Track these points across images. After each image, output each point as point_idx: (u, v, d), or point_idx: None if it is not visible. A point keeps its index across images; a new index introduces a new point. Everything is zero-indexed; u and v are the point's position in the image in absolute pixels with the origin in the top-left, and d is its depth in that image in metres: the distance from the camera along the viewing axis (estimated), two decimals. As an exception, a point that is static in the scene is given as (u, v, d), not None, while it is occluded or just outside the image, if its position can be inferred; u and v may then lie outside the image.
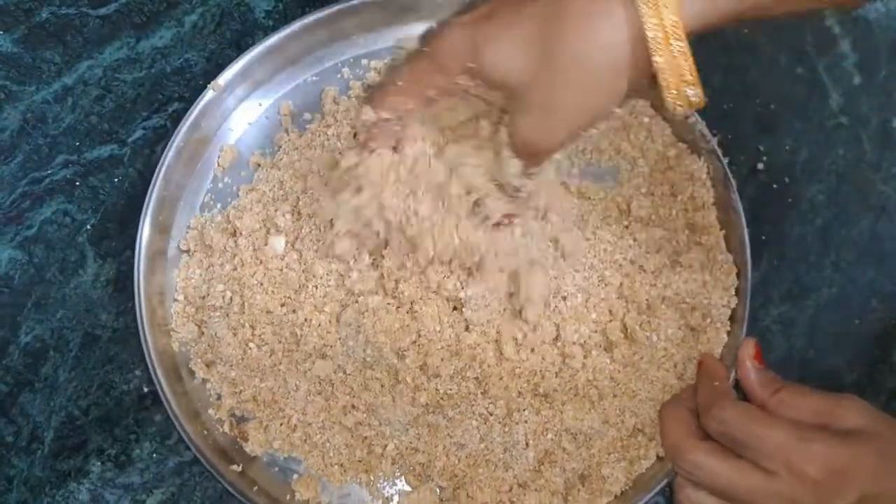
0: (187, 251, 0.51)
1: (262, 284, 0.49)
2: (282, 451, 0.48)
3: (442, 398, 0.47)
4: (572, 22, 0.34)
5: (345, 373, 0.48)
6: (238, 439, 0.48)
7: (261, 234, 0.51)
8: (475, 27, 0.36)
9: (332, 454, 0.48)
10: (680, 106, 0.35)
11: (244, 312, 0.49)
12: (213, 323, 0.49)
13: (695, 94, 0.35)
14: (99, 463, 0.49)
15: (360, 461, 0.48)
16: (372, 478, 0.48)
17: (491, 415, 0.48)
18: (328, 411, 0.48)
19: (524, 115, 0.37)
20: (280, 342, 0.48)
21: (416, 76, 0.39)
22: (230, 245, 0.50)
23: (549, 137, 0.38)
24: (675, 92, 0.35)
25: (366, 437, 0.48)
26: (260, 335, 0.48)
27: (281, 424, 0.48)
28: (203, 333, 0.49)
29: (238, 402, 0.49)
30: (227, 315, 0.49)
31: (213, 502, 0.50)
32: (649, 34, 0.33)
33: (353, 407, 0.48)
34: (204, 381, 0.49)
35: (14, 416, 0.50)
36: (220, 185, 0.53)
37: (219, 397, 0.49)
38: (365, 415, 0.48)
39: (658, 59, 0.33)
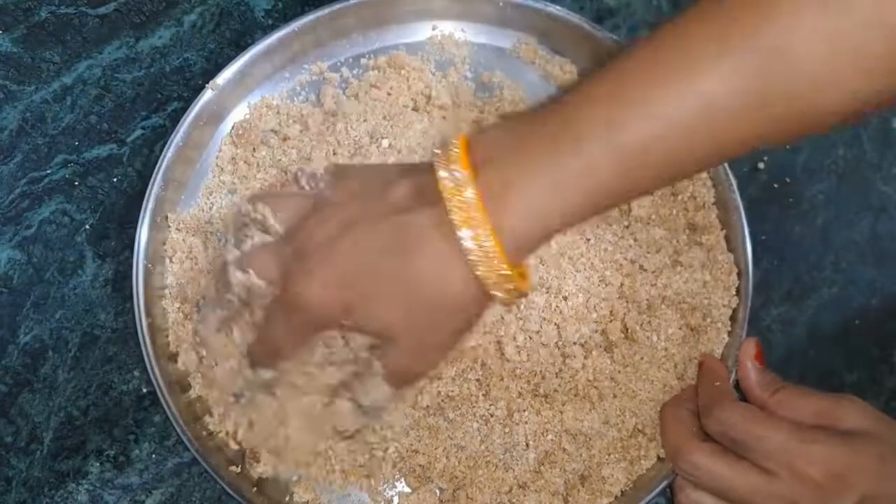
0: (185, 251, 0.51)
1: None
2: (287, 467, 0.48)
3: (443, 400, 0.47)
4: (418, 275, 0.35)
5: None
6: (249, 459, 0.48)
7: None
8: (337, 289, 0.35)
9: (333, 461, 0.48)
10: (506, 299, 0.35)
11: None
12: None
13: (513, 287, 0.35)
14: (98, 463, 0.49)
15: (361, 466, 0.48)
16: (373, 482, 0.48)
17: (492, 416, 0.47)
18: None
19: (399, 357, 0.37)
20: None
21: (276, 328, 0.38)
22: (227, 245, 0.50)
23: (426, 367, 0.39)
24: (500, 295, 0.35)
25: (367, 442, 0.48)
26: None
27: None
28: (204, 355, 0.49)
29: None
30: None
31: (213, 503, 0.50)
32: (471, 258, 0.33)
33: None
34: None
35: (13, 416, 0.50)
36: (219, 184, 0.52)
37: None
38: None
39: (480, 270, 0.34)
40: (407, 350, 0.37)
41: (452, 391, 0.47)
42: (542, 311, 0.48)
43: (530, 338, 0.48)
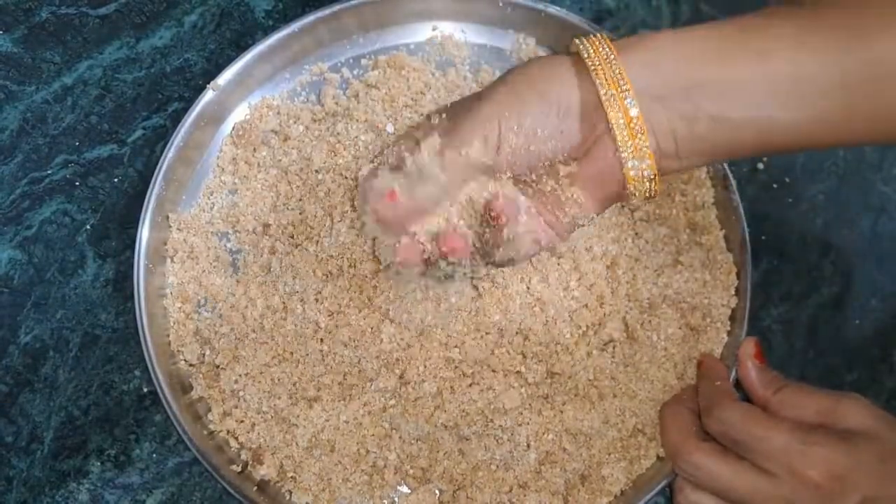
0: (186, 251, 0.51)
1: (261, 285, 0.49)
2: (290, 470, 0.48)
3: (459, 417, 0.47)
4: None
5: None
6: (252, 462, 0.48)
7: (258, 234, 0.51)
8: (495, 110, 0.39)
9: (338, 469, 0.48)
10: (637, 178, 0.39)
11: (244, 318, 0.49)
12: (208, 323, 0.49)
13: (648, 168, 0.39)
14: (99, 463, 0.49)
15: (363, 471, 0.48)
16: (374, 488, 0.48)
17: (503, 429, 0.48)
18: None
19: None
20: (281, 349, 0.48)
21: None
22: (229, 245, 0.51)
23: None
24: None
25: (368, 451, 0.48)
26: (257, 338, 0.48)
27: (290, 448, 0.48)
28: (204, 355, 0.49)
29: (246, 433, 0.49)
30: (221, 316, 0.49)
31: (213, 502, 0.50)
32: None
33: (361, 424, 0.48)
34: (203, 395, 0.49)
35: (14, 416, 0.50)
36: (219, 184, 0.52)
37: (223, 413, 0.49)
38: (373, 433, 0.48)
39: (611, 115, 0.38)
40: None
41: (468, 407, 0.47)
42: (543, 310, 0.48)
43: (529, 338, 0.48)
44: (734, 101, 0.37)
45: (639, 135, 0.38)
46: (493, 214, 0.40)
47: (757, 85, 0.37)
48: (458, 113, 0.40)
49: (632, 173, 0.39)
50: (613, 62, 0.37)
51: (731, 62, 0.37)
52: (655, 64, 0.37)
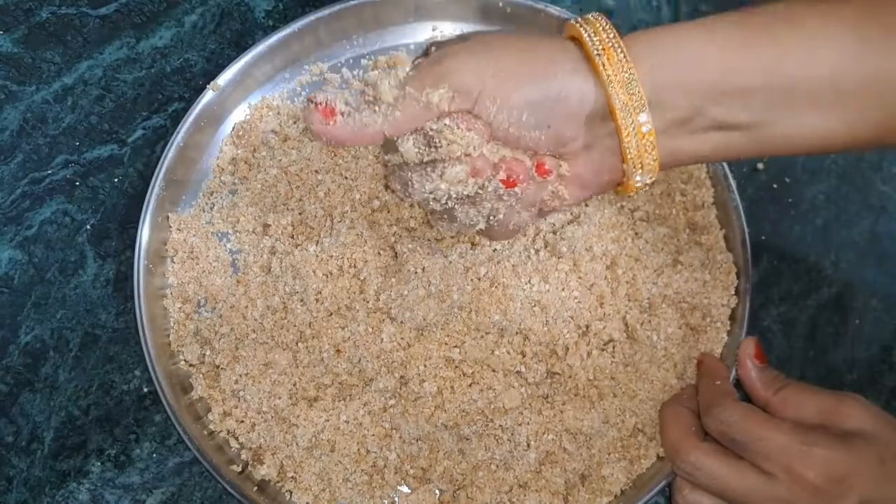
0: (186, 251, 0.51)
1: (261, 285, 0.49)
2: (290, 470, 0.48)
3: (459, 417, 0.47)
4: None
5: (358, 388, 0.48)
6: (252, 462, 0.48)
7: (258, 234, 0.51)
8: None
9: (339, 469, 0.48)
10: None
11: (245, 317, 0.49)
12: (208, 323, 0.49)
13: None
14: (99, 463, 0.49)
15: (363, 471, 0.48)
16: (375, 488, 0.48)
17: (503, 429, 0.48)
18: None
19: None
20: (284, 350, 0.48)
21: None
22: (229, 245, 0.51)
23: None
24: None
25: (369, 451, 0.48)
26: (257, 339, 0.49)
27: (290, 450, 0.48)
28: (205, 355, 0.49)
29: (245, 432, 0.49)
30: (221, 316, 0.49)
31: (213, 502, 0.50)
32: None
33: (362, 424, 0.48)
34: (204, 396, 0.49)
35: (14, 416, 0.50)
36: (219, 184, 0.52)
37: (223, 413, 0.49)
38: (373, 433, 0.48)
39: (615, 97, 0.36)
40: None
41: (469, 407, 0.47)
42: (543, 310, 0.48)
43: (529, 338, 0.48)
44: (742, 106, 0.36)
45: (650, 150, 0.37)
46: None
47: (769, 90, 0.36)
48: (445, 54, 0.37)
49: (637, 185, 0.38)
50: (625, 64, 0.36)
51: (746, 64, 0.36)
52: (665, 65, 0.36)
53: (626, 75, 0.36)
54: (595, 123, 0.37)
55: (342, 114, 0.37)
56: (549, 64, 0.36)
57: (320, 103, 0.37)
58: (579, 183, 0.39)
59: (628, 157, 0.37)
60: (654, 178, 0.38)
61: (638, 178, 0.38)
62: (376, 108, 0.36)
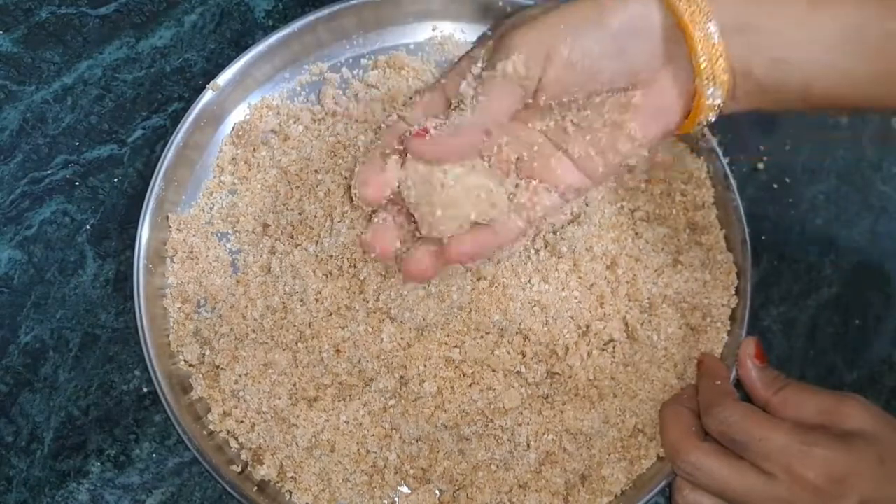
0: (186, 251, 0.51)
1: (261, 285, 0.49)
2: (290, 471, 0.48)
3: (459, 417, 0.47)
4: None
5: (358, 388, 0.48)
6: (252, 462, 0.48)
7: (258, 234, 0.51)
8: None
9: (338, 469, 0.48)
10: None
11: (244, 317, 0.49)
12: (208, 323, 0.49)
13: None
14: (99, 463, 0.49)
15: (363, 471, 0.48)
16: (374, 488, 0.48)
17: (503, 429, 0.48)
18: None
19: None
20: (285, 350, 0.48)
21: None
22: (229, 245, 0.51)
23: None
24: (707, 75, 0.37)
25: (369, 451, 0.48)
26: (256, 338, 0.48)
27: (290, 450, 0.48)
28: (205, 355, 0.49)
29: (245, 432, 0.49)
30: (221, 316, 0.49)
31: (213, 502, 0.50)
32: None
33: (362, 424, 0.48)
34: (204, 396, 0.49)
35: (14, 416, 0.50)
36: (219, 184, 0.52)
37: (223, 413, 0.49)
38: (373, 433, 0.48)
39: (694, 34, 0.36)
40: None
41: (468, 407, 0.47)
42: (543, 310, 0.48)
43: (529, 338, 0.48)
44: (790, 45, 0.37)
45: (719, 61, 0.37)
46: (524, 173, 0.38)
47: (809, 32, 0.36)
48: (505, 29, 0.38)
49: (708, 101, 0.37)
50: None
51: (786, 6, 0.36)
52: None
53: None
54: (665, 47, 0.37)
55: (435, 127, 0.37)
56: (612, 2, 0.37)
57: (414, 130, 0.38)
58: (653, 113, 0.39)
59: (702, 66, 0.37)
60: (723, 101, 0.38)
61: (710, 91, 0.37)
62: (463, 107, 0.37)
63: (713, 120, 0.39)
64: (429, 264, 0.41)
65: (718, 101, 0.38)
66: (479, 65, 0.38)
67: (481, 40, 0.39)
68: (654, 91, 0.38)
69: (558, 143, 0.40)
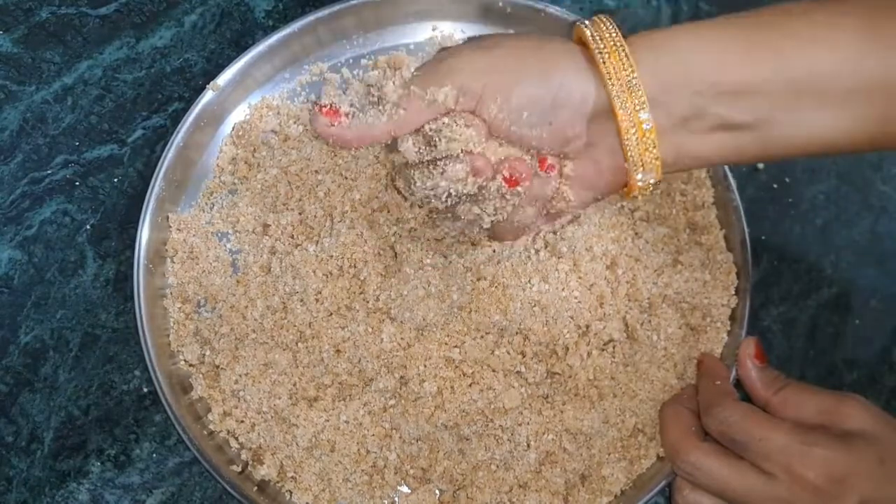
0: (186, 251, 0.51)
1: (261, 285, 0.49)
2: (290, 470, 0.48)
3: (459, 417, 0.47)
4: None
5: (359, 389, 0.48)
6: (252, 462, 0.48)
7: (258, 234, 0.51)
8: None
9: (339, 469, 0.48)
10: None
11: (244, 317, 0.49)
12: (208, 323, 0.49)
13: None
14: (99, 463, 0.49)
15: (363, 471, 0.48)
16: (374, 488, 0.48)
17: (503, 429, 0.48)
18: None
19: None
20: (284, 350, 0.48)
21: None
22: (229, 245, 0.51)
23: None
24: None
25: (369, 451, 0.48)
26: (257, 338, 0.49)
27: (290, 450, 0.48)
28: (205, 355, 0.49)
29: (245, 432, 0.49)
30: (221, 316, 0.49)
31: (213, 502, 0.50)
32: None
33: (362, 424, 0.48)
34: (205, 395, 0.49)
35: (14, 416, 0.50)
36: (219, 184, 0.52)
37: (223, 413, 0.49)
38: (373, 433, 0.48)
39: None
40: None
41: (469, 406, 0.47)
42: (543, 310, 0.48)
43: (529, 338, 0.48)
44: (744, 105, 0.36)
45: (650, 149, 0.37)
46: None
47: (772, 88, 0.36)
48: (449, 54, 0.38)
49: (639, 184, 0.38)
50: (626, 63, 0.36)
51: (748, 64, 0.36)
52: (668, 66, 0.36)
53: (628, 74, 0.36)
54: (597, 122, 0.37)
55: (347, 115, 0.37)
56: (551, 62, 0.37)
57: (324, 105, 0.37)
58: (583, 183, 0.39)
59: (629, 155, 0.37)
60: (657, 179, 0.38)
61: (640, 176, 0.38)
62: (381, 108, 0.37)
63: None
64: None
65: (651, 180, 0.38)
66: (412, 70, 0.38)
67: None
68: (584, 164, 0.38)
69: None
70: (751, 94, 0.36)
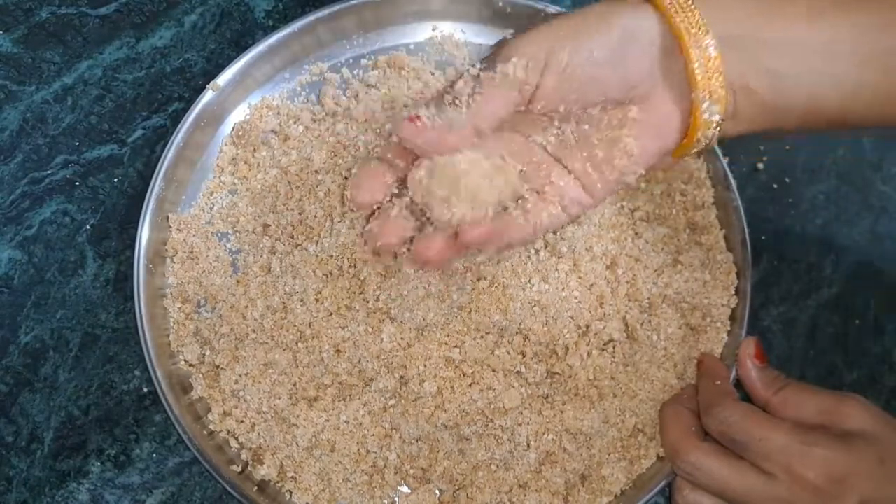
0: (186, 251, 0.51)
1: (261, 285, 0.49)
2: (290, 470, 0.48)
3: (459, 417, 0.47)
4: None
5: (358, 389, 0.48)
6: (252, 462, 0.48)
7: (258, 234, 0.51)
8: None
9: (338, 469, 0.48)
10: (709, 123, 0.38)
11: (244, 317, 0.49)
12: (208, 323, 0.49)
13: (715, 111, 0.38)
14: (99, 463, 0.49)
15: (363, 471, 0.48)
16: (374, 488, 0.48)
17: (503, 429, 0.48)
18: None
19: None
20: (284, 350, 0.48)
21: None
22: (229, 245, 0.51)
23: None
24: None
25: (369, 451, 0.48)
26: (257, 339, 0.49)
27: (290, 450, 0.48)
28: (205, 355, 0.49)
29: (245, 431, 0.49)
30: (221, 316, 0.49)
31: (213, 502, 0.50)
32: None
33: (362, 424, 0.48)
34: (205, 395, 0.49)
35: (14, 416, 0.50)
36: (219, 184, 0.52)
37: (223, 413, 0.49)
38: (373, 433, 0.48)
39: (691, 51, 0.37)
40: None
41: (469, 407, 0.47)
42: (543, 310, 0.48)
43: (529, 338, 0.48)
44: (788, 58, 0.37)
45: (715, 75, 0.37)
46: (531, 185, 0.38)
47: (807, 44, 0.37)
48: (508, 39, 0.38)
49: (705, 116, 0.37)
50: (688, 1, 0.37)
51: (784, 18, 0.37)
52: (723, 10, 0.37)
53: (688, 4, 0.37)
54: (662, 61, 0.37)
55: (427, 118, 0.37)
56: (614, 11, 0.37)
57: (406, 115, 0.37)
58: (649, 130, 0.39)
59: (697, 79, 0.37)
60: (721, 116, 0.38)
61: (706, 106, 0.37)
62: (458, 104, 0.36)
63: (714, 144, 0.39)
64: (441, 247, 0.39)
65: (716, 118, 0.38)
66: (478, 65, 0.38)
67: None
68: (652, 107, 0.38)
69: (558, 158, 0.40)
70: (788, 48, 0.37)
